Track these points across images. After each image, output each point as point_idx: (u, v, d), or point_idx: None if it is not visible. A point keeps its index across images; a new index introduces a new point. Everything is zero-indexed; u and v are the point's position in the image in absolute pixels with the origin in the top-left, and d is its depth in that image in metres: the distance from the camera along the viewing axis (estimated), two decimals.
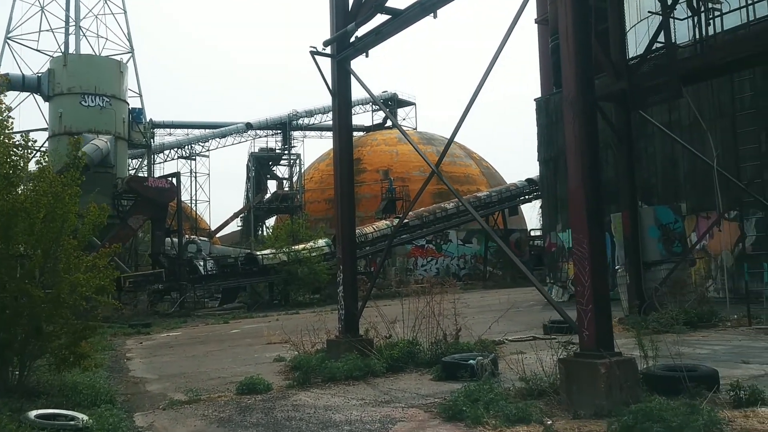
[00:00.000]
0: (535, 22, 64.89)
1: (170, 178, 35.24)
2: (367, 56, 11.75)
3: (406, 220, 45.45)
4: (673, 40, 13.72)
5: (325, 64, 12.28)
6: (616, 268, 16.60)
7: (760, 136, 18.96)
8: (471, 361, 9.33)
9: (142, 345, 19.09)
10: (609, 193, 23.12)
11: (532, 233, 61.98)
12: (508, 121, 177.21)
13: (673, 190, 21.71)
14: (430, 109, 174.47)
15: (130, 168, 52.80)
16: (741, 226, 19.46)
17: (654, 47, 13.99)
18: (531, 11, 64.22)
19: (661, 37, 13.92)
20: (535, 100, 27.19)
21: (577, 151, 7.32)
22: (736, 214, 19.84)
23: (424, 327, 11.35)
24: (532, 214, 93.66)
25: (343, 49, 11.89)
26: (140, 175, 42.48)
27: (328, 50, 12.07)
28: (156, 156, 63.03)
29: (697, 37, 13.79)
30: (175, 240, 35.10)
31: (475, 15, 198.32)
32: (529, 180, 52.57)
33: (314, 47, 11.98)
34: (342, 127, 11.92)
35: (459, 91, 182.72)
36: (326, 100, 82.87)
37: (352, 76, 11.95)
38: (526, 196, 52.56)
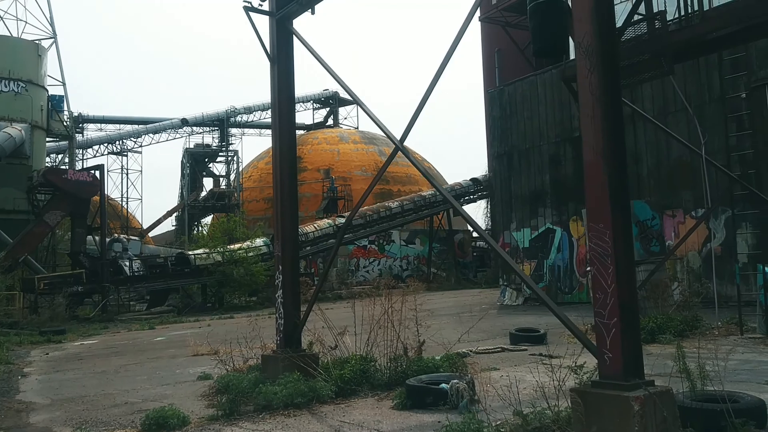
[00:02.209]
0: (480, 20, 64.14)
1: (93, 171, 32.31)
2: (313, 13, 9.79)
3: None
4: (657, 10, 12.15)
5: (263, 24, 10.27)
6: (587, 269, 15.02)
7: (729, 126, 17.72)
8: (443, 386, 7.47)
9: (47, 357, 16.58)
10: (574, 188, 21.79)
11: (474, 234, 60.93)
12: (449, 123, 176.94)
13: (635, 188, 20.39)
14: (372, 108, 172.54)
15: (56, 163, 49.31)
16: (732, 224, 18.24)
17: (634, 19, 12.43)
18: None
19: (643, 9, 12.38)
20: (488, 91, 25.68)
21: (596, 111, 5.53)
22: (704, 212, 18.64)
23: (380, 338, 9.44)
24: (476, 214, 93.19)
25: (285, 5, 9.88)
26: (62, 168, 39.14)
27: (266, 6, 10.04)
28: (84, 152, 59.65)
29: (683, 10, 12.28)
30: (99, 238, 32.21)
31: (417, 16, 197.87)
32: (474, 180, 51.41)
33: (249, 2, 9.93)
34: (282, 100, 9.90)
35: (401, 91, 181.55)
36: (265, 96, 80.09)
37: (295, 38, 9.95)
38: (471, 196, 51.39)
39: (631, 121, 20.43)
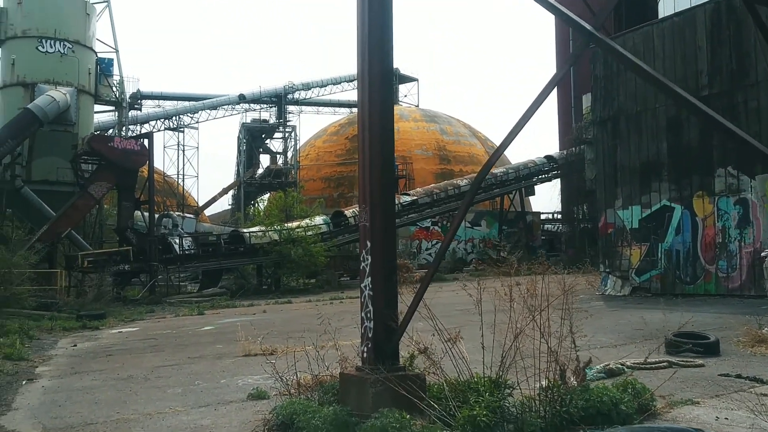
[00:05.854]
0: None
1: (141, 140, 29.79)
2: None
3: (414, 197, 40.40)
4: None
5: None
6: (763, 254, 11.39)
7: None
8: None
9: (74, 349, 13.93)
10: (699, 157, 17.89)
11: (547, 216, 56.97)
12: (512, 102, 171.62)
13: None
14: (433, 86, 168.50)
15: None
16: None
17: None
18: None
19: None
20: (591, 47, 21.91)
21: None
22: None
23: (512, 352, 6.17)
24: (552, 193, 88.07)
25: None
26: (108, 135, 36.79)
27: None
28: (141, 127, 58.06)
29: None
30: (147, 214, 29.75)
31: None
32: (548, 157, 47.60)
33: None
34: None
35: (463, 68, 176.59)
36: (323, 73, 77.19)
37: None
38: (545, 174, 47.47)
39: None
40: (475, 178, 6.73)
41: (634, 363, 8.70)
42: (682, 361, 8.81)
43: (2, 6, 31.73)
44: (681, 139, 18.81)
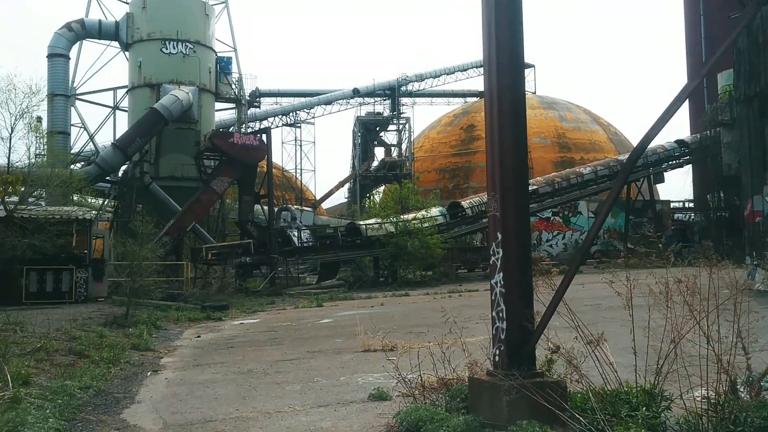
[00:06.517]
0: None
1: (260, 135, 30.30)
2: None
3: (535, 187, 39.01)
4: None
5: None
6: None
7: None
8: None
9: (198, 340, 14.11)
10: None
11: (677, 204, 53.61)
12: (638, 85, 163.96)
13: None
14: (550, 72, 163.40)
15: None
16: None
17: None
18: None
19: None
20: (729, 17, 20.09)
21: None
22: None
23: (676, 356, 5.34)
24: (685, 180, 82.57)
25: None
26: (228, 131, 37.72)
27: None
28: (260, 124, 59.65)
29: None
30: (267, 207, 30.27)
31: None
32: (679, 141, 44.56)
33: None
34: None
35: (581, 51, 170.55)
36: (436, 64, 76.44)
37: None
38: (677, 161, 44.51)
39: None
40: (626, 161, 5.90)
41: None
42: None
43: (129, 12, 33.28)
44: None
